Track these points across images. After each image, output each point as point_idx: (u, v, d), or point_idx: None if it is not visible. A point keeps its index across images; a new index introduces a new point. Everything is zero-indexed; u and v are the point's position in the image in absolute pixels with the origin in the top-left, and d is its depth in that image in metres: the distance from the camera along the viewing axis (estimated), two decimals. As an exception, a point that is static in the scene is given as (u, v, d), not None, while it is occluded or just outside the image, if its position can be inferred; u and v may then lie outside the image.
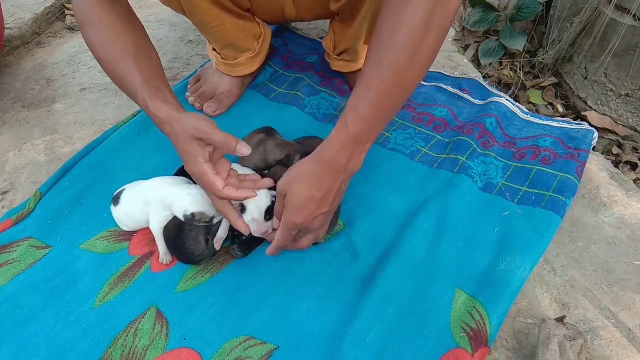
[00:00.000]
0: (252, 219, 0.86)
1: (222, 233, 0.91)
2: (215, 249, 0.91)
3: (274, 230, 0.88)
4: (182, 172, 1.01)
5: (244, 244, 0.90)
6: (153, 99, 0.81)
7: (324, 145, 0.78)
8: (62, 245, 0.96)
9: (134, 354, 0.81)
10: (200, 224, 0.88)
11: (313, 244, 0.95)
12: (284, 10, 1.18)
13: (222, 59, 1.22)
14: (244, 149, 0.78)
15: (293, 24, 1.53)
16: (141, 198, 0.92)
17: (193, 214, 0.86)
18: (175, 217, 0.90)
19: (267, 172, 0.98)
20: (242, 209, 0.86)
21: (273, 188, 0.90)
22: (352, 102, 0.75)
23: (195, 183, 0.95)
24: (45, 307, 0.87)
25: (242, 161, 1.04)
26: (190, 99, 1.26)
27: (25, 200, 1.05)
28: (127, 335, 0.83)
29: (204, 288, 0.89)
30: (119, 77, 0.87)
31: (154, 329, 0.83)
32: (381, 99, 0.73)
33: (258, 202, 0.86)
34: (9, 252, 0.95)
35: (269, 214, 0.87)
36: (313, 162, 0.80)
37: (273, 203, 0.87)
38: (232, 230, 0.90)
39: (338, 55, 1.22)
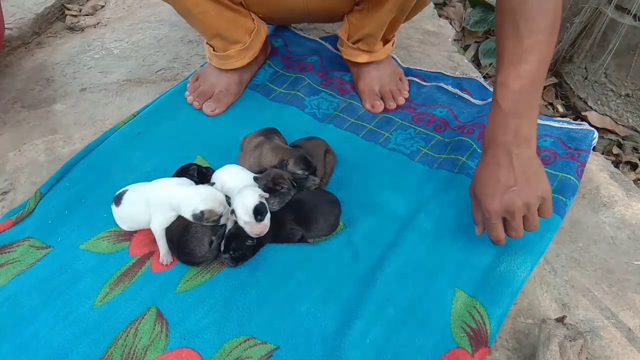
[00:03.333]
0: (245, 222, 0.87)
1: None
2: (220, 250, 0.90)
3: None
4: (182, 172, 1.01)
5: (237, 257, 0.89)
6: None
7: (486, 129, 0.86)
8: (62, 245, 0.96)
9: (134, 354, 0.81)
10: (208, 223, 0.88)
11: (310, 244, 0.95)
12: (287, 2, 1.17)
13: (213, 51, 1.22)
14: None
15: (293, 24, 1.53)
16: (144, 199, 0.92)
17: (202, 212, 0.86)
18: (179, 217, 0.90)
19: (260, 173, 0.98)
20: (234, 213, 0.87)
21: (266, 190, 0.90)
22: (500, 78, 0.83)
23: (197, 184, 0.94)
24: (45, 307, 0.87)
25: (240, 162, 1.04)
26: (189, 98, 1.26)
27: (25, 200, 1.05)
28: (127, 335, 0.83)
29: (204, 288, 0.89)
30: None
31: (153, 329, 0.83)
32: (526, 67, 0.80)
33: (243, 203, 0.86)
34: (9, 252, 0.95)
35: (260, 214, 0.86)
36: (483, 150, 0.87)
37: (261, 203, 0.87)
38: (228, 240, 0.90)
39: (353, 44, 1.22)
